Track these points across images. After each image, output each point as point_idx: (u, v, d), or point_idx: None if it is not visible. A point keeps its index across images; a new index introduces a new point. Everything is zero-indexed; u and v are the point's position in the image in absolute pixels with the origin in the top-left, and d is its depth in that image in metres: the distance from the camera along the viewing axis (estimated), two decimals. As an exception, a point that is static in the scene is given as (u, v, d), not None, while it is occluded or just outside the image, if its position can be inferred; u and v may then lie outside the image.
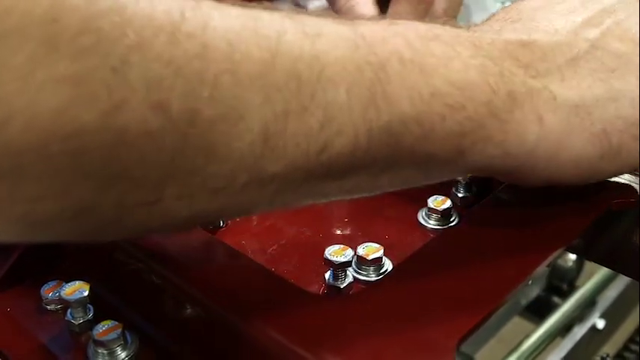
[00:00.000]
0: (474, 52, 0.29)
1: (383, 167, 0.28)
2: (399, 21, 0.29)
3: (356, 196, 0.30)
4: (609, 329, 0.57)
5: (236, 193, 0.25)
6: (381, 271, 0.36)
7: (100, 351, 0.32)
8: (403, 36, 0.28)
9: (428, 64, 0.27)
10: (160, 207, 0.24)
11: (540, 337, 0.52)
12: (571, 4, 0.33)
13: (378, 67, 0.26)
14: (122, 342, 0.32)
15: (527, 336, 0.52)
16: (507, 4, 0.73)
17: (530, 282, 0.32)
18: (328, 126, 0.25)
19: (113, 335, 0.32)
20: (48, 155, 0.20)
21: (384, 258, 0.36)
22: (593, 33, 0.32)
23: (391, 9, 0.47)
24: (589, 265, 0.60)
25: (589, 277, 0.57)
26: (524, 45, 0.31)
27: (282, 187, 0.26)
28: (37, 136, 0.20)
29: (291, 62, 0.24)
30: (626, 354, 0.57)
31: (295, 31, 0.25)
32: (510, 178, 0.32)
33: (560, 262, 0.59)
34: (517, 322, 0.60)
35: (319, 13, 0.29)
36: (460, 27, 0.31)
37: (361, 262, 0.36)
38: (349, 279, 0.35)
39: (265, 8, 0.26)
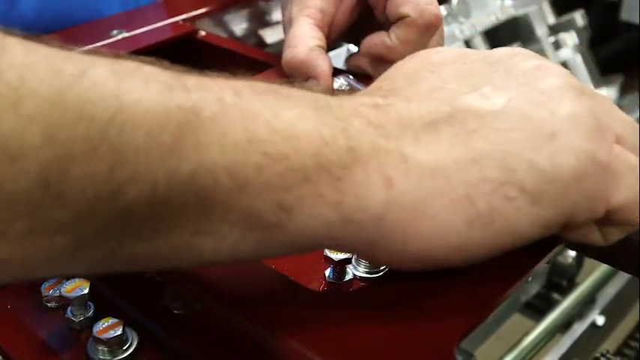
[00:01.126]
0: (315, 107, 0.27)
1: (198, 226, 0.25)
2: (241, 79, 0.27)
3: (187, 266, 0.27)
4: (609, 326, 0.57)
5: (21, 240, 0.22)
6: (381, 268, 0.36)
7: (100, 348, 0.32)
8: (233, 86, 0.26)
9: (252, 110, 0.25)
10: None
11: (540, 333, 0.52)
12: (445, 72, 0.31)
13: (191, 111, 0.24)
14: (123, 339, 0.33)
15: (527, 333, 0.52)
16: (507, 2, 0.73)
17: (530, 279, 0.32)
18: (119, 171, 0.22)
19: (113, 332, 0.32)
20: None
21: (383, 255, 0.36)
22: (459, 97, 0.29)
23: (393, 32, 0.45)
24: (589, 262, 0.60)
25: (589, 274, 0.57)
26: (378, 107, 0.28)
27: (78, 242, 0.24)
28: None
29: (85, 101, 0.22)
30: (626, 350, 0.57)
31: (104, 70, 0.23)
32: (373, 257, 0.29)
33: (559, 259, 0.59)
34: (517, 319, 0.60)
35: (158, 61, 0.26)
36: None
37: (361, 258, 0.36)
38: (349, 276, 0.35)
39: (93, 51, 0.24)
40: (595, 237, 0.31)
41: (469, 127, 0.28)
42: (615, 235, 0.31)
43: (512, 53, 0.32)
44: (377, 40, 0.47)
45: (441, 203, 0.27)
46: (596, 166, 0.28)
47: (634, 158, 0.29)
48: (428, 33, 0.45)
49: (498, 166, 0.27)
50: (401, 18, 0.45)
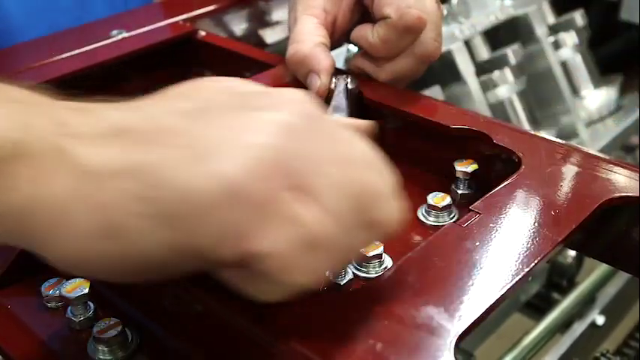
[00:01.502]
0: (8, 103, 0.27)
1: None
2: None
3: None
4: (609, 325, 0.57)
5: None
6: (381, 268, 0.36)
7: (100, 348, 0.32)
8: None
9: None
10: None
11: (540, 333, 0.52)
12: (197, 96, 0.30)
13: None
14: (122, 339, 0.33)
15: (527, 332, 0.52)
16: (506, 1, 0.73)
17: (529, 278, 0.32)
18: None
19: (113, 332, 0.32)
20: None
21: (384, 255, 0.36)
22: (163, 113, 0.28)
23: (376, 29, 0.47)
24: (589, 262, 0.60)
25: (589, 274, 0.58)
26: (80, 110, 0.28)
27: None
28: None
29: None
30: (626, 350, 0.57)
31: None
32: (39, 253, 0.28)
33: (559, 258, 0.59)
34: (517, 319, 0.60)
35: None
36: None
37: (361, 258, 0.36)
38: (349, 276, 0.35)
39: None
40: (245, 285, 0.28)
41: (149, 139, 0.27)
42: (266, 291, 0.28)
43: (267, 92, 0.31)
44: (362, 32, 0.48)
45: (83, 209, 0.26)
46: (238, 200, 0.26)
47: (307, 216, 0.27)
48: (408, 35, 0.46)
49: (144, 179, 0.26)
50: (383, 18, 0.46)
